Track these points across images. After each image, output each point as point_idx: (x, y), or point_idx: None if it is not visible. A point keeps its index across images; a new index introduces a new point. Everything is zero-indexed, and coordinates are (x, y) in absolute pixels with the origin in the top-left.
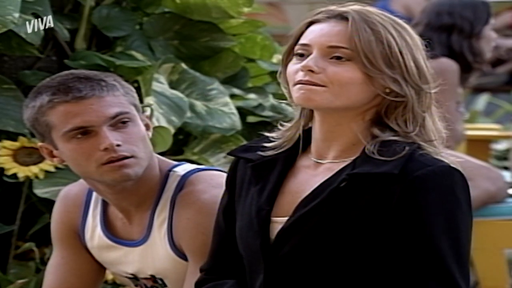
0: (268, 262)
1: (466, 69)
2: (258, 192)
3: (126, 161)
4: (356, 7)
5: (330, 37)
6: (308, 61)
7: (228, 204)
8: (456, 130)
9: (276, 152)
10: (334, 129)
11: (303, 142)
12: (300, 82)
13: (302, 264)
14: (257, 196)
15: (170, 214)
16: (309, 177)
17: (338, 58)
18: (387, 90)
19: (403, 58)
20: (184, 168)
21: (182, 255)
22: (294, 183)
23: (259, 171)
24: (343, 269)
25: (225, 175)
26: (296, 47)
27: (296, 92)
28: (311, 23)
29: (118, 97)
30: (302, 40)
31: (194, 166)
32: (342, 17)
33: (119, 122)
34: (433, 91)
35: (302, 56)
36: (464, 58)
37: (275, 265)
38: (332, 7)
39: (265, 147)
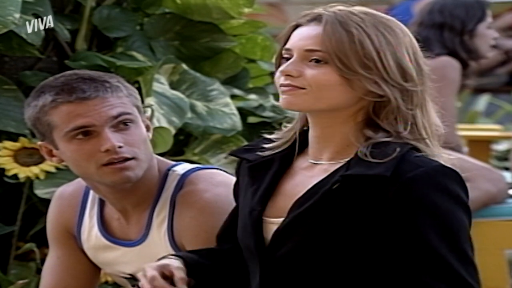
0: (263, 263)
1: (462, 66)
2: (253, 192)
3: (127, 163)
4: (337, 8)
5: (307, 41)
6: (287, 66)
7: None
8: (454, 129)
9: (273, 153)
10: (326, 131)
11: (301, 144)
12: (281, 86)
13: (298, 266)
14: (251, 197)
15: (170, 213)
16: (305, 178)
17: (318, 61)
18: (371, 90)
19: (380, 58)
20: (183, 167)
21: None
22: (290, 184)
23: (255, 172)
24: (338, 270)
25: (224, 173)
26: (283, 52)
27: (280, 98)
28: (296, 27)
29: (122, 98)
30: (286, 45)
31: (193, 165)
32: (320, 19)
33: (121, 123)
34: (420, 88)
35: (288, 60)
36: (457, 55)
37: (270, 266)
38: (315, 10)
39: (264, 148)
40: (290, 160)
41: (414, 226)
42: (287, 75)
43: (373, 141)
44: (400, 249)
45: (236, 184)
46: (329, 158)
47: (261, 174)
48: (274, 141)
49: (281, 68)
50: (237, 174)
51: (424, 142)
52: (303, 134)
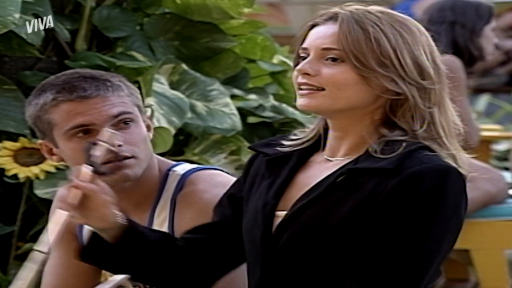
0: (265, 254)
1: (469, 63)
2: (268, 186)
3: (126, 161)
4: (353, 7)
5: (324, 39)
6: (304, 65)
7: (238, 192)
8: (474, 127)
9: (292, 150)
10: (343, 129)
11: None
12: (299, 84)
13: (297, 256)
14: (266, 190)
15: (171, 214)
16: (318, 172)
17: (334, 59)
18: (389, 88)
19: (397, 56)
20: (183, 167)
21: None
22: (303, 176)
23: (272, 166)
24: (335, 262)
25: (224, 174)
26: (300, 51)
27: (297, 99)
28: (312, 26)
29: (122, 98)
30: (303, 44)
31: (193, 166)
32: (336, 18)
33: (122, 122)
34: (437, 86)
35: (305, 59)
36: (468, 52)
37: (271, 258)
38: (332, 9)
39: (284, 144)
40: (308, 155)
41: (392, 219)
42: (304, 74)
43: (386, 138)
44: (372, 237)
45: (246, 174)
46: (344, 154)
47: (278, 168)
48: (294, 140)
49: (298, 67)
50: (249, 165)
51: (441, 140)
52: (324, 132)
